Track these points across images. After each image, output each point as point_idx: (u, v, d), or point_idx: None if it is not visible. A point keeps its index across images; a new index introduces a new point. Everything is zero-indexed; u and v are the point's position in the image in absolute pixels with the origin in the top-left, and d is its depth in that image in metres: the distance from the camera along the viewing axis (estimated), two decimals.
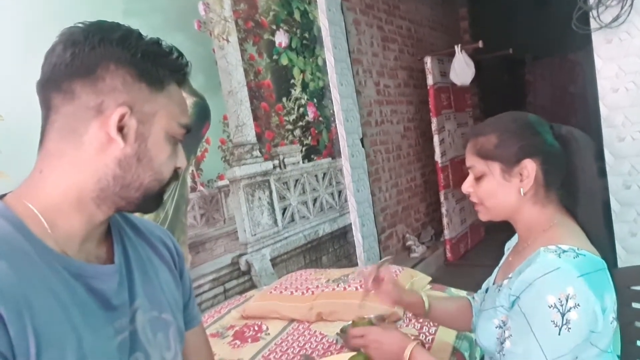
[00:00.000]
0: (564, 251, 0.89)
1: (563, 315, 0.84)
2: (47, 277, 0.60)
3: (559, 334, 0.84)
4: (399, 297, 1.21)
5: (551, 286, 0.86)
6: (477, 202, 1.03)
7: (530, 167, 0.96)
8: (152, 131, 0.67)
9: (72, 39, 0.64)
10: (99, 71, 0.64)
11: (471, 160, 1.02)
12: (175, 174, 0.73)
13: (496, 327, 0.98)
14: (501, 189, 0.98)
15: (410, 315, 1.64)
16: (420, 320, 1.61)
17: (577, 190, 1.00)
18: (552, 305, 0.84)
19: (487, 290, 1.12)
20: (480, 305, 1.13)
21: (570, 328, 0.84)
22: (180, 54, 0.71)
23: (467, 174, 1.05)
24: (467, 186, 1.03)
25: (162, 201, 0.74)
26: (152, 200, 0.71)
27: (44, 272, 0.60)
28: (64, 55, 0.64)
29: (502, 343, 0.93)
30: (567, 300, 0.84)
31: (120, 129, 0.65)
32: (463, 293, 1.83)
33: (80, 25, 0.66)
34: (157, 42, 0.69)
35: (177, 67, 0.71)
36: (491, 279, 1.15)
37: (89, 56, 0.64)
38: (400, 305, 1.21)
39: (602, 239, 0.99)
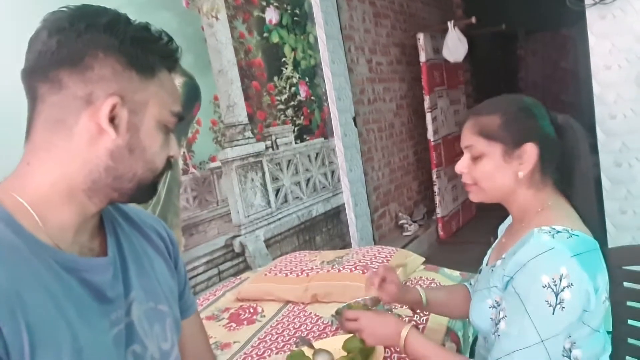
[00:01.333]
0: (558, 232, 0.90)
1: (557, 294, 0.85)
2: (39, 272, 0.59)
3: (553, 314, 0.85)
4: (400, 296, 1.22)
5: (545, 266, 0.87)
6: (470, 183, 1.02)
7: (531, 151, 0.96)
8: (144, 121, 0.66)
9: (57, 26, 0.62)
10: (87, 60, 0.61)
11: (470, 140, 1.00)
12: (168, 163, 0.71)
13: (490, 307, 0.99)
14: (499, 170, 0.98)
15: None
16: None
17: (573, 175, 1.01)
18: (546, 285, 0.85)
19: (480, 272, 1.13)
20: (474, 286, 1.14)
21: (564, 307, 0.85)
22: (170, 39, 0.69)
23: (460, 152, 1.04)
24: (463, 166, 1.02)
25: (156, 191, 0.72)
26: (145, 191, 0.70)
27: (35, 267, 0.59)
28: (49, 42, 0.61)
29: (496, 324, 0.94)
30: (560, 280, 0.85)
31: (112, 120, 0.63)
32: (456, 273, 1.85)
33: (64, 9, 0.63)
34: (145, 27, 0.66)
35: (167, 52, 0.68)
36: (485, 260, 1.16)
37: (76, 44, 0.61)
38: (400, 302, 1.22)
39: (595, 220, 1.00)
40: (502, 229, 1.18)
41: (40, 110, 0.63)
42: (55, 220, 0.63)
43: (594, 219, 0.99)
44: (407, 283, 1.76)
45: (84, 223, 0.67)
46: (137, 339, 0.70)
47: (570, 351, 0.91)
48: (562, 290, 0.84)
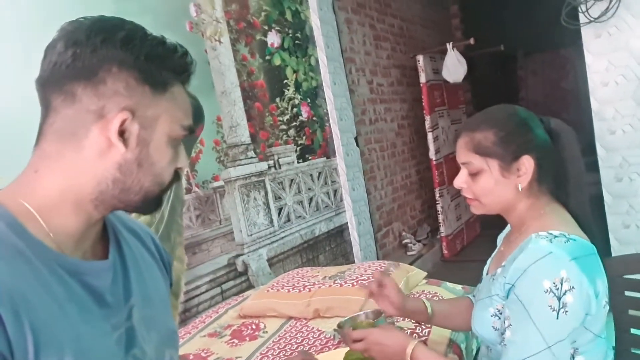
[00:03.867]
0: (555, 236, 0.91)
1: (559, 298, 0.85)
2: (43, 274, 0.60)
3: (557, 318, 0.85)
4: (401, 304, 1.19)
5: (545, 271, 0.87)
6: (471, 198, 1.03)
7: (528, 163, 0.97)
8: (154, 136, 0.66)
9: (74, 38, 0.63)
10: (101, 74, 0.63)
11: (466, 157, 1.00)
12: (177, 175, 0.72)
13: (492, 316, 0.99)
14: (499, 185, 0.98)
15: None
16: None
17: (568, 181, 1.02)
18: (547, 290, 0.86)
19: (481, 281, 1.14)
20: (476, 296, 1.14)
21: (567, 311, 0.85)
22: (185, 52, 0.70)
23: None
24: (460, 181, 1.02)
25: (162, 204, 0.73)
26: (151, 203, 0.71)
27: (39, 270, 0.60)
28: (64, 54, 0.62)
29: (502, 334, 0.94)
30: (562, 284, 0.85)
31: (122, 134, 0.64)
32: (459, 287, 1.84)
33: (82, 20, 0.65)
34: (161, 42, 0.67)
35: (181, 67, 0.69)
36: (485, 270, 1.16)
37: (91, 58, 0.62)
38: (402, 313, 1.20)
39: (592, 225, 1.00)
40: (500, 238, 1.18)
41: (53, 120, 0.64)
42: (60, 227, 0.64)
43: (591, 224, 1.00)
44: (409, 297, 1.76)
45: (89, 229, 0.68)
46: (138, 343, 0.70)
47: (573, 357, 0.91)
48: (564, 294, 0.85)
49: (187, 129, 0.70)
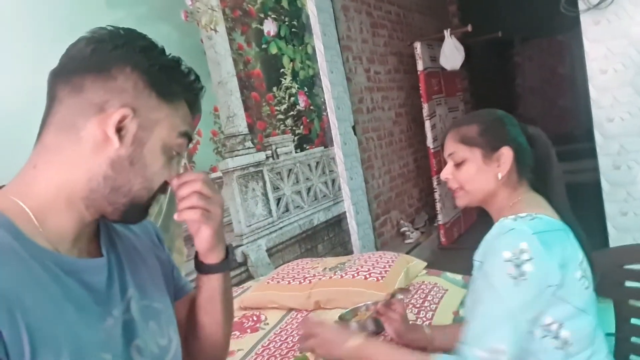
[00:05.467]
0: (521, 217, 0.98)
1: (518, 266, 0.90)
2: (38, 274, 0.60)
3: (516, 285, 0.90)
4: (404, 333, 1.26)
5: (506, 244, 0.93)
6: (457, 188, 1.11)
7: (507, 154, 1.05)
8: (150, 138, 0.68)
9: (97, 37, 0.66)
10: (114, 71, 0.65)
11: (453, 147, 1.10)
12: (163, 187, 0.72)
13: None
14: (481, 173, 1.07)
15: (407, 301, 1.65)
16: (417, 306, 1.62)
17: (548, 176, 1.10)
18: (508, 259, 0.91)
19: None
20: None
21: (525, 279, 0.90)
22: (197, 77, 0.73)
23: None
24: (447, 172, 1.11)
25: (147, 214, 0.74)
26: (137, 210, 0.71)
27: (34, 270, 0.60)
28: (85, 49, 0.65)
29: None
30: (520, 254, 0.90)
31: (119, 130, 0.65)
32: (459, 277, 1.85)
33: (110, 27, 0.68)
34: (177, 61, 0.71)
35: (191, 87, 0.72)
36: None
37: (109, 55, 0.65)
38: (401, 340, 1.25)
39: (568, 210, 1.07)
40: None
41: (57, 110, 0.65)
42: (54, 226, 0.65)
43: (568, 211, 1.06)
44: (410, 287, 1.76)
45: (83, 229, 0.69)
46: (138, 335, 0.71)
47: (559, 332, 0.95)
48: (523, 263, 0.90)
49: (184, 135, 0.72)
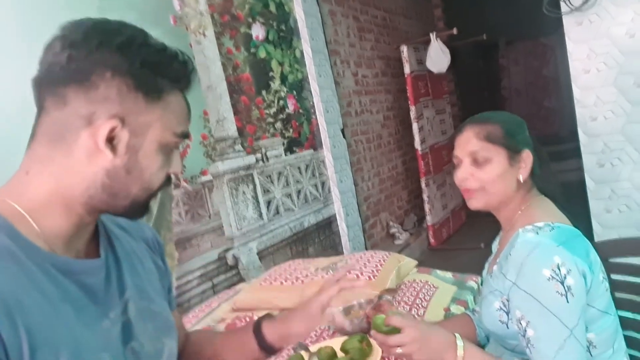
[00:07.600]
0: (540, 228, 0.97)
1: (562, 283, 0.89)
2: (36, 276, 0.60)
3: (568, 302, 0.89)
4: None
5: (540, 261, 0.91)
6: (476, 188, 1.05)
7: (527, 157, 1.05)
8: (144, 143, 0.65)
9: (71, 39, 0.62)
10: (94, 78, 0.62)
11: (476, 145, 1.05)
12: (167, 179, 0.71)
13: (497, 310, 1.03)
14: (504, 174, 1.04)
15: (398, 299, 1.67)
16: (409, 303, 1.64)
17: (550, 179, 1.11)
18: (549, 278, 0.90)
19: (482, 284, 1.18)
20: (479, 297, 1.18)
21: (573, 293, 0.89)
22: (185, 60, 0.68)
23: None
24: (466, 172, 1.06)
25: (148, 209, 0.73)
26: (138, 208, 0.71)
27: (32, 272, 0.60)
28: (60, 55, 0.62)
29: (524, 335, 0.95)
30: (559, 269, 0.89)
31: (111, 140, 0.63)
32: (449, 274, 1.87)
33: (84, 21, 0.64)
34: (162, 49, 0.66)
35: (179, 75, 0.68)
36: (484, 272, 1.21)
37: (85, 61, 0.61)
38: None
39: (569, 207, 1.08)
40: (494, 244, 1.23)
41: (45, 121, 0.64)
42: (51, 228, 0.64)
43: (570, 211, 1.07)
44: (401, 286, 1.78)
45: (80, 230, 0.68)
46: (135, 336, 0.71)
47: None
48: (565, 278, 0.89)
49: (181, 136, 0.70)
